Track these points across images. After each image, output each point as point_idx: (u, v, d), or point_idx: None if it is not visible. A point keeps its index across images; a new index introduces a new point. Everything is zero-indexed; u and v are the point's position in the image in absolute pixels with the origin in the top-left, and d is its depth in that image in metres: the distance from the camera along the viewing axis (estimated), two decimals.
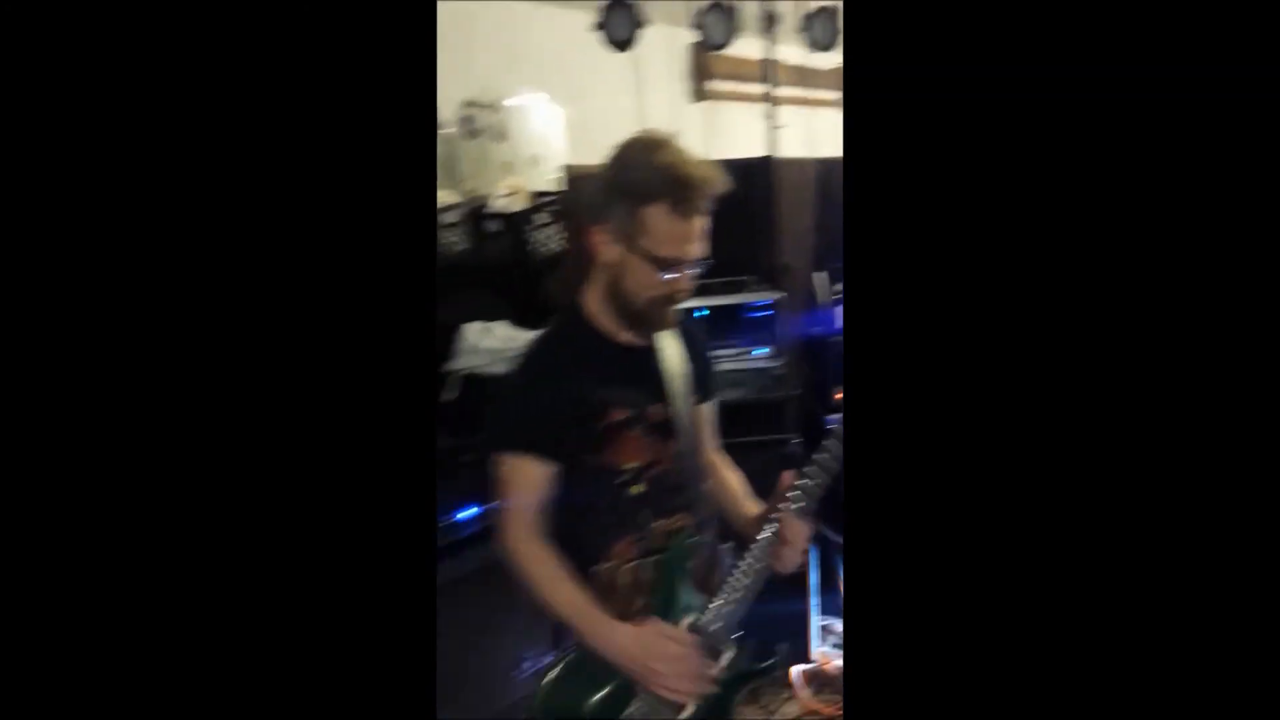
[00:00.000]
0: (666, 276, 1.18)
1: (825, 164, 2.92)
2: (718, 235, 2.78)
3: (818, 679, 2.27)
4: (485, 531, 1.83)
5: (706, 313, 2.35)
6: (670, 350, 1.30)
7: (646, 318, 1.23)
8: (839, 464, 1.19)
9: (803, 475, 1.20)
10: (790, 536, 1.19)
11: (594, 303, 1.26)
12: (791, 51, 2.94)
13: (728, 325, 2.44)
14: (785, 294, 2.50)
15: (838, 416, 1.21)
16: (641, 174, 1.15)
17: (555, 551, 1.19)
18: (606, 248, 1.20)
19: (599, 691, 1.18)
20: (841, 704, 1.98)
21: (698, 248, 1.19)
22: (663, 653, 1.15)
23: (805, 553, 1.22)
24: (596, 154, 1.26)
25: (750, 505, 1.35)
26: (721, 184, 1.18)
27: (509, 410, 1.24)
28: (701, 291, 2.27)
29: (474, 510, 1.81)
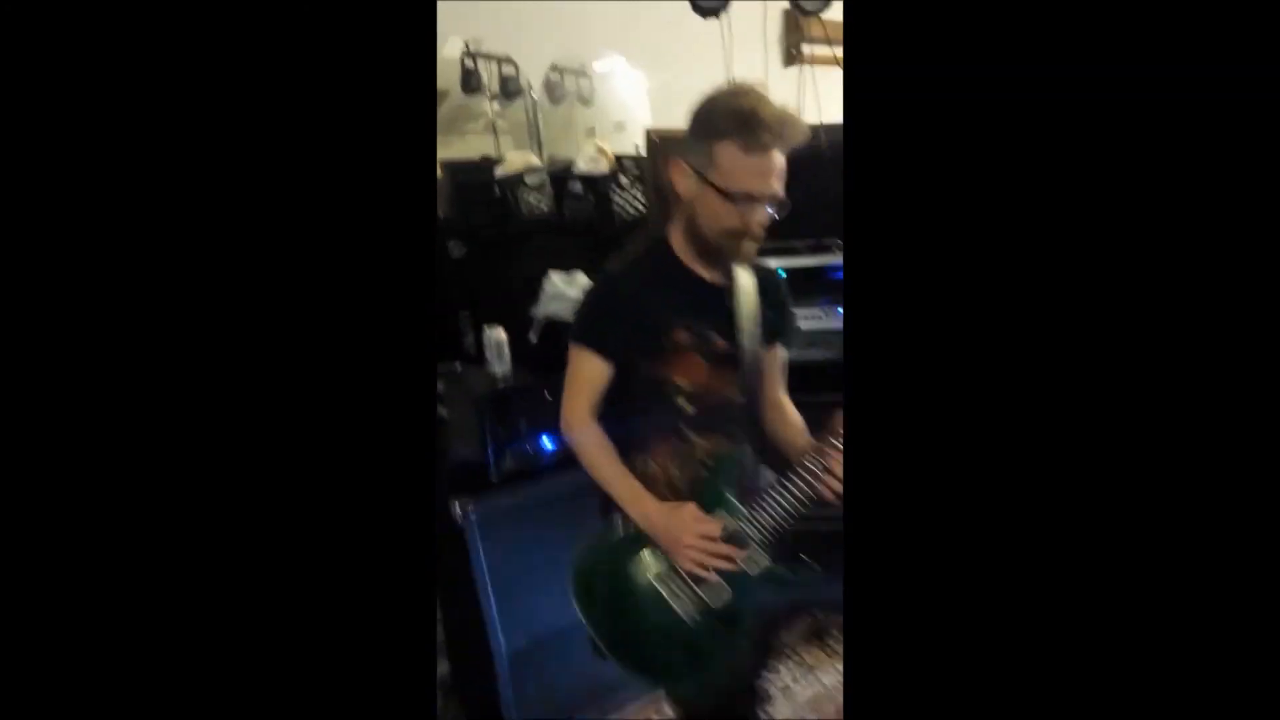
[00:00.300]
0: (738, 210, 1.27)
1: None
2: (808, 198, 2.81)
3: None
4: (565, 460, 1.98)
5: (784, 275, 2.42)
6: (746, 292, 1.40)
7: (720, 250, 1.33)
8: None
9: None
10: (836, 470, 1.28)
11: (677, 236, 1.38)
12: None
13: (813, 286, 2.47)
14: None
15: None
16: (716, 113, 1.25)
17: (604, 431, 1.36)
18: (684, 181, 1.31)
19: (627, 566, 1.34)
20: None
21: (767, 184, 1.26)
22: (689, 528, 1.29)
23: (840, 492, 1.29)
24: (683, 120, 1.35)
25: (807, 441, 1.43)
26: (796, 129, 1.26)
27: (587, 311, 1.38)
28: (789, 252, 2.35)
29: (554, 442, 1.96)
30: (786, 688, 2.21)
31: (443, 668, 2.20)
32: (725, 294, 1.39)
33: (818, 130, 2.43)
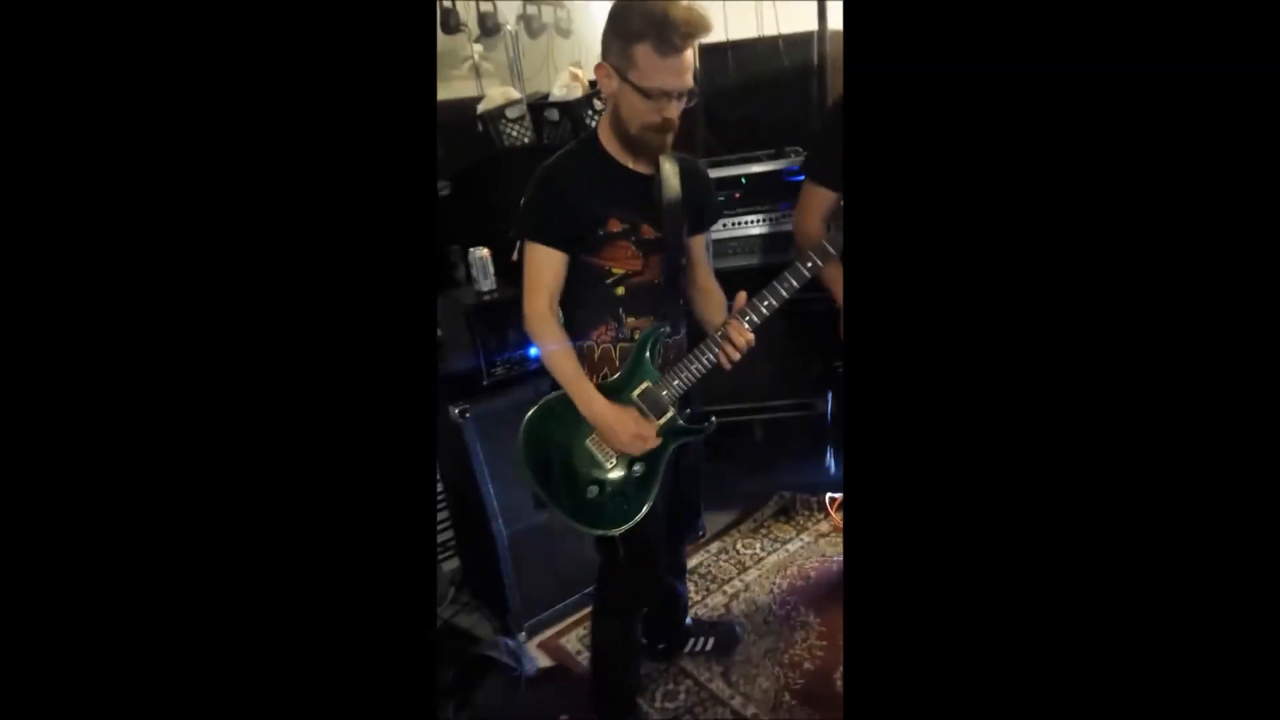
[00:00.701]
0: (655, 106, 1.40)
1: None
2: (770, 112, 2.90)
3: None
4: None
5: (745, 182, 2.57)
6: (671, 181, 1.56)
7: (640, 143, 1.46)
8: (789, 292, 1.48)
9: (760, 296, 1.50)
10: (735, 339, 1.50)
11: (604, 131, 1.52)
12: None
13: (773, 190, 2.57)
14: None
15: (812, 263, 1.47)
16: (631, 17, 1.37)
17: (566, 336, 1.54)
18: (606, 81, 1.44)
19: (563, 429, 1.58)
20: None
21: (681, 80, 1.39)
22: (624, 428, 1.53)
23: (743, 354, 1.51)
24: None
25: (722, 317, 1.61)
26: (704, 26, 1.36)
27: (531, 206, 1.51)
28: (751, 160, 2.50)
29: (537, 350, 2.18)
30: (756, 555, 2.50)
31: (453, 564, 2.50)
32: (651, 183, 1.53)
33: (777, 43, 2.57)
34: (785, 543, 2.55)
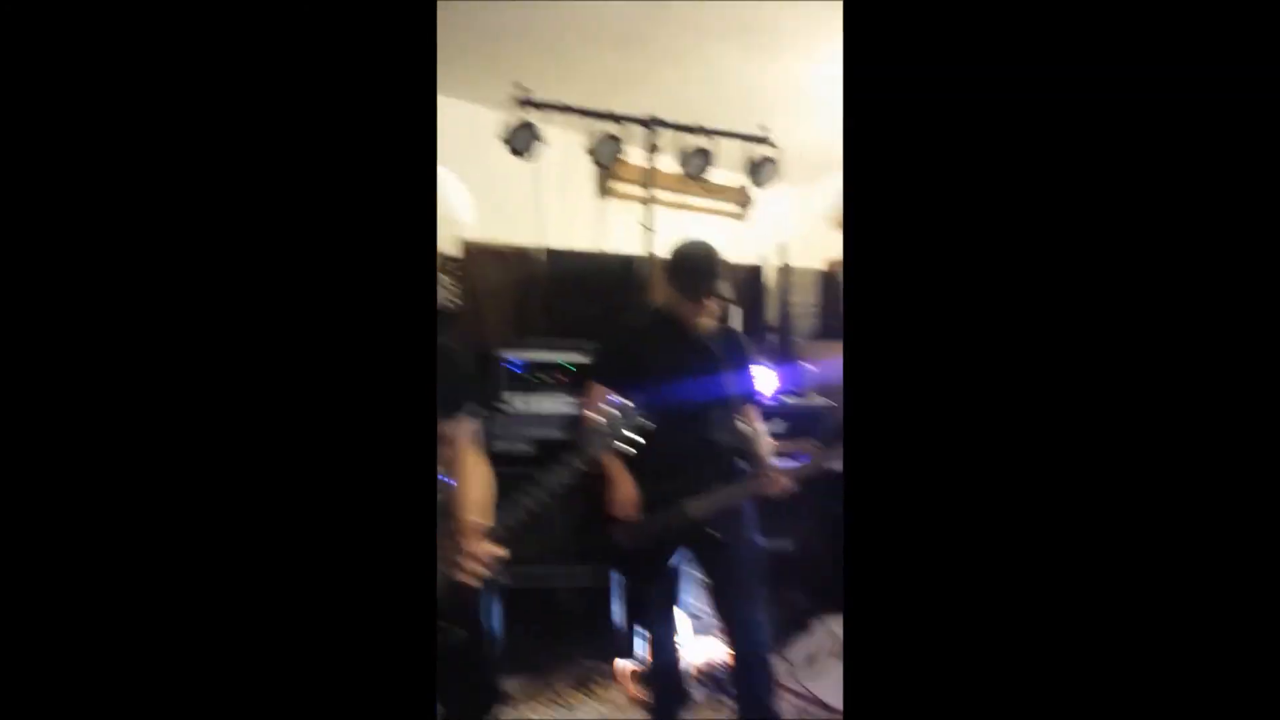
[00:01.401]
0: None
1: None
2: (603, 304, 3.27)
3: (639, 675, 2.72)
4: None
5: (520, 367, 2.88)
6: None
7: None
8: (551, 493, 1.46)
9: (517, 496, 1.46)
10: (475, 552, 1.43)
11: None
12: (672, 163, 3.54)
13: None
14: None
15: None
16: None
17: None
18: None
19: None
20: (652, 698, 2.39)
21: None
22: None
23: (482, 575, 1.43)
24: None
25: (479, 519, 1.50)
26: None
27: None
28: (578, 349, 2.81)
29: None
30: None
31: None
32: None
33: (614, 258, 2.93)
34: (575, 709, 2.61)
